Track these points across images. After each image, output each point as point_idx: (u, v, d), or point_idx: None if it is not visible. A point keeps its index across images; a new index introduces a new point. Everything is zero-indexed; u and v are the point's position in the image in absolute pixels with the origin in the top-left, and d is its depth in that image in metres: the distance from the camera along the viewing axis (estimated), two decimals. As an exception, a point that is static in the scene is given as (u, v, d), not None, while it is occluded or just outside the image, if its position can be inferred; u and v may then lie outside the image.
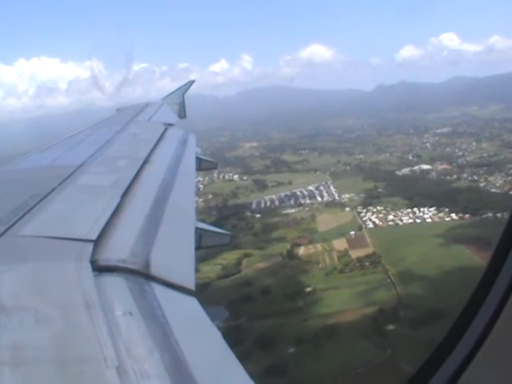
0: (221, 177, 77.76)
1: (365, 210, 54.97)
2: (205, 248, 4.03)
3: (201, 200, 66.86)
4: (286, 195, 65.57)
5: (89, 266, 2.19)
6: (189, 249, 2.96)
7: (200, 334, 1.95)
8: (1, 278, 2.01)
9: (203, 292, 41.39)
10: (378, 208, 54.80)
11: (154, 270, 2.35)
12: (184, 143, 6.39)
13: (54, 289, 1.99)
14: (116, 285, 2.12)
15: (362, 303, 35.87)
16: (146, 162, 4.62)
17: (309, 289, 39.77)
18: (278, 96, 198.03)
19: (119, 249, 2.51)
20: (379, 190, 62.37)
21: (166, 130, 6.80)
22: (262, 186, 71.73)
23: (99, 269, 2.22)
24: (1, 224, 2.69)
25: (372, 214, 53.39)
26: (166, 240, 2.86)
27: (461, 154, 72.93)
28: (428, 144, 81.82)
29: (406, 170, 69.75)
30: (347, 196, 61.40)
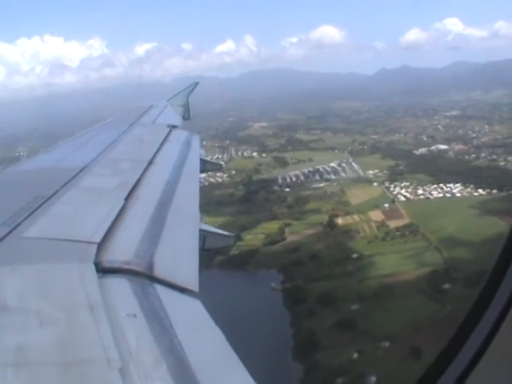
0: (239, 154, 79.35)
1: (393, 185, 57.26)
2: (209, 250, 4.06)
3: (225, 175, 68.26)
4: (309, 171, 67.30)
5: (92, 267, 2.19)
6: (193, 251, 2.96)
7: (203, 337, 1.95)
8: (5, 280, 2.01)
9: (253, 258, 43.27)
10: (405, 183, 57.14)
11: (158, 272, 2.35)
12: (188, 145, 6.42)
13: (57, 290, 1.99)
14: (120, 286, 2.12)
15: (413, 266, 38.16)
16: (150, 164, 4.65)
17: (355, 255, 41.94)
18: (280, 78, 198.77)
19: (123, 250, 2.51)
20: (401, 167, 64.66)
21: (170, 132, 6.83)
22: (282, 163, 73.29)
23: (103, 270, 2.23)
24: (5, 225, 2.69)
25: (401, 189, 55.69)
26: (170, 242, 2.88)
27: (474, 135, 75.66)
28: (440, 126, 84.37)
29: (423, 150, 72.10)
30: (371, 172, 63.61)
